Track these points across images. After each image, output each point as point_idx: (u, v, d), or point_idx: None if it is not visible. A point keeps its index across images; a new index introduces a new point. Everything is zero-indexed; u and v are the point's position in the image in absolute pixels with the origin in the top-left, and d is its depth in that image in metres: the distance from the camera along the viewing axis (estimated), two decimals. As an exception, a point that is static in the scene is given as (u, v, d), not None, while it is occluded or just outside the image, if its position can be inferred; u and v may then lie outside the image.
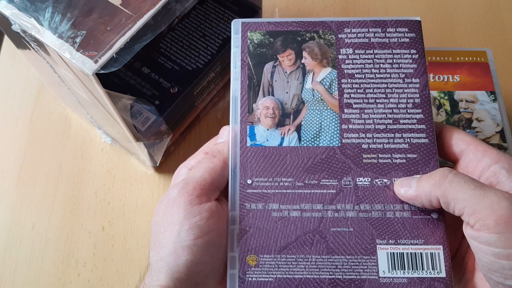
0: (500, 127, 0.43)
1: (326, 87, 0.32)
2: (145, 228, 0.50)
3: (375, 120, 0.31)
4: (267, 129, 0.31)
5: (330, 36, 0.33)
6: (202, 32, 0.50)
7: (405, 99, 0.31)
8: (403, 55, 0.32)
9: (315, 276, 0.28)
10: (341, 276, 0.28)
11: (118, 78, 0.48)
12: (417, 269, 0.28)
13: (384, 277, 0.28)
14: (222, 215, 0.29)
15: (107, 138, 0.52)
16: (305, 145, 0.31)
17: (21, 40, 0.38)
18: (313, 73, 0.32)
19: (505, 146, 0.43)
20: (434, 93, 0.45)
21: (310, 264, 0.29)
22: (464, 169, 0.29)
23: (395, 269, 0.28)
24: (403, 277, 0.28)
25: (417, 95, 0.31)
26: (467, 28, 0.61)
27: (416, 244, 0.29)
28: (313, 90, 0.32)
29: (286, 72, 0.32)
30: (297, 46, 0.33)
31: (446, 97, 0.45)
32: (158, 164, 0.49)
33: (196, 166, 0.31)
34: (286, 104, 0.32)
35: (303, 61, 0.32)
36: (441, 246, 0.29)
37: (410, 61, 0.32)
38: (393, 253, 0.28)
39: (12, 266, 0.48)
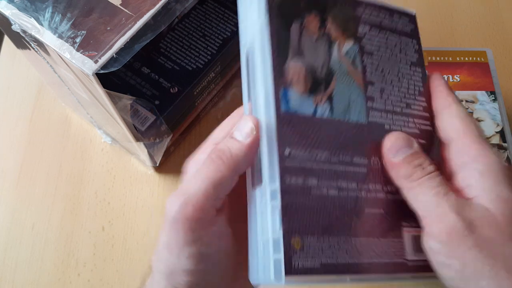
0: (500, 127, 0.43)
1: (350, 60, 0.30)
2: (145, 228, 0.50)
3: (393, 101, 0.30)
4: (300, 95, 0.27)
5: (349, 12, 0.31)
6: (202, 32, 0.50)
7: (413, 86, 0.31)
8: (408, 43, 0.31)
9: (356, 261, 0.26)
10: (377, 260, 0.26)
11: (118, 78, 0.48)
12: None
13: (411, 260, 0.27)
14: (226, 231, 0.27)
15: (107, 138, 0.52)
16: (337, 118, 0.28)
17: (21, 40, 0.38)
18: (338, 43, 0.29)
19: (505, 146, 0.43)
20: (434, 93, 0.45)
21: (351, 247, 0.26)
22: (450, 161, 0.28)
23: (420, 252, 0.27)
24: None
25: (421, 84, 0.31)
26: (467, 28, 0.61)
27: None
28: (340, 61, 0.29)
29: (313, 37, 0.29)
30: (321, 12, 0.29)
31: (446, 97, 0.45)
32: (158, 164, 0.49)
33: (199, 173, 0.26)
34: (316, 71, 0.28)
35: (327, 30, 0.29)
36: None
37: (413, 50, 0.31)
38: (418, 236, 0.27)
39: (12, 266, 0.48)
